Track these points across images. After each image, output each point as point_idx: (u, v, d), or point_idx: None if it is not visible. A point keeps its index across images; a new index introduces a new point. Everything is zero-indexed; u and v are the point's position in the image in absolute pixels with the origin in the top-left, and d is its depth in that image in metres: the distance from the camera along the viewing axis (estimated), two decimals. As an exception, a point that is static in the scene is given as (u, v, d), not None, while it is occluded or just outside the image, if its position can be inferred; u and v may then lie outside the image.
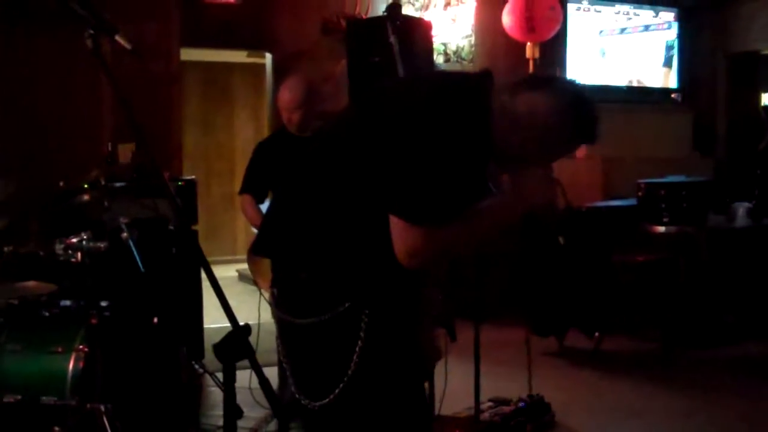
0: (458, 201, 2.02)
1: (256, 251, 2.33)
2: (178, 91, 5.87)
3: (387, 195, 1.99)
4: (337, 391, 2.07)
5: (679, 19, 7.97)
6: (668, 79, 8.01)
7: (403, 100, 2.09)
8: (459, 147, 1.97)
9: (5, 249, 3.76)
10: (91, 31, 1.98)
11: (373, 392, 2.10)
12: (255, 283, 4.29)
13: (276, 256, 2.23)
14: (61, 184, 4.82)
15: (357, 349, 2.05)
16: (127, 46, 2.02)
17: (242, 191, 4.33)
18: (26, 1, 5.22)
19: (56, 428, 3.30)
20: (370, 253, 2.07)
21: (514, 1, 6.66)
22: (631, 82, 7.77)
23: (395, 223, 1.98)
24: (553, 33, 6.80)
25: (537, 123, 1.99)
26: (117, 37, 2.01)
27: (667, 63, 7.96)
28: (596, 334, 5.70)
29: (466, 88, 2.08)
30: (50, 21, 5.21)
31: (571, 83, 2.25)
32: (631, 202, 6.22)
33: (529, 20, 6.60)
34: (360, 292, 2.07)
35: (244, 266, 8.73)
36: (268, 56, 6.88)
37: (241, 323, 1.95)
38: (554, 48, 7.17)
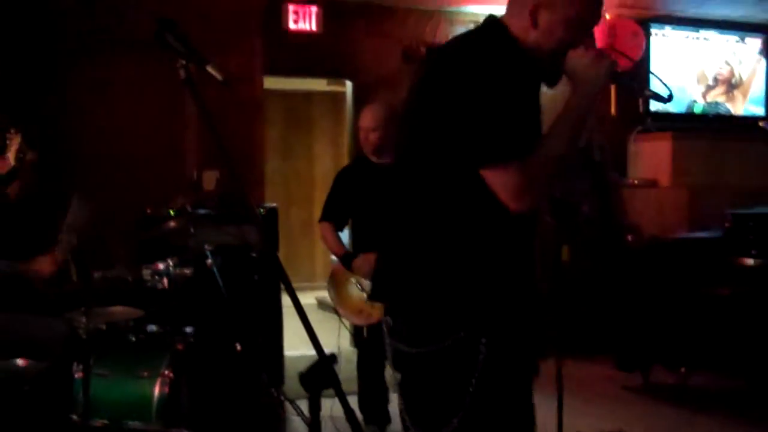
0: (527, 127, 2.06)
1: (374, 297, 2.33)
2: (261, 119, 5.95)
3: (468, 157, 1.99)
4: (455, 421, 2.04)
5: (766, 44, 7.77)
6: (756, 106, 7.80)
7: (436, 77, 2.10)
8: (501, 83, 2.00)
9: (95, 274, 3.84)
10: (184, 62, 2.01)
11: (489, 422, 2.07)
12: (335, 311, 4.30)
13: (394, 298, 2.22)
14: (148, 210, 4.93)
15: (474, 377, 2.02)
16: (218, 76, 2.04)
17: (322, 219, 4.36)
18: (113, 30, 5.37)
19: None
20: (484, 275, 2.05)
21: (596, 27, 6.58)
22: (717, 109, 7.59)
23: (490, 178, 1.99)
24: (636, 59, 6.69)
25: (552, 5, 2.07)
26: (208, 68, 2.04)
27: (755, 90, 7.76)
28: (682, 369, 5.54)
29: (480, 35, 2.15)
30: (137, 50, 5.35)
31: None
32: (718, 233, 6.05)
33: (611, 46, 6.52)
34: (477, 319, 2.05)
35: (323, 293, 8.78)
36: (349, 84, 6.93)
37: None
38: (638, 74, 7.05)
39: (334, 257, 4.35)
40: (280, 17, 6.35)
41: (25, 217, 3.93)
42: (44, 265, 3.83)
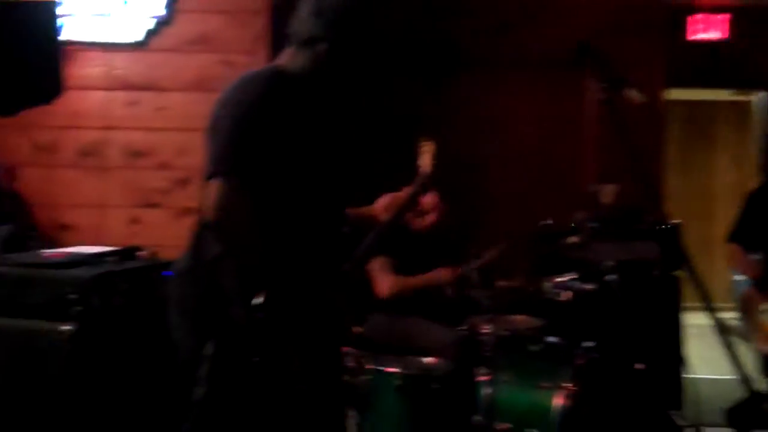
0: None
1: None
2: (662, 133, 5.75)
3: None
4: None
5: None
6: None
7: None
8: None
9: (499, 283, 3.97)
10: (605, 84, 2.00)
11: None
12: (744, 337, 4.01)
13: None
14: (548, 222, 4.99)
15: None
16: (640, 99, 2.01)
17: (731, 239, 4.11)
18: (509, 51, 5.55)
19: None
20: None
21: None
22: None
23: None
24: None
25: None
26: (629, 91, 2.01)
27: None
28: None
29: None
30: (533, 67, 5.48)
31: None
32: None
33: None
34: None
35: (722, 315, 8.27)
36: (760, 95, 6.46)
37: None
38: None
39: (739, 277, 4.09)
40: (684, 27, 6.11)
41: (434, 244, 4.18)
42: (444, 275, 4.06)
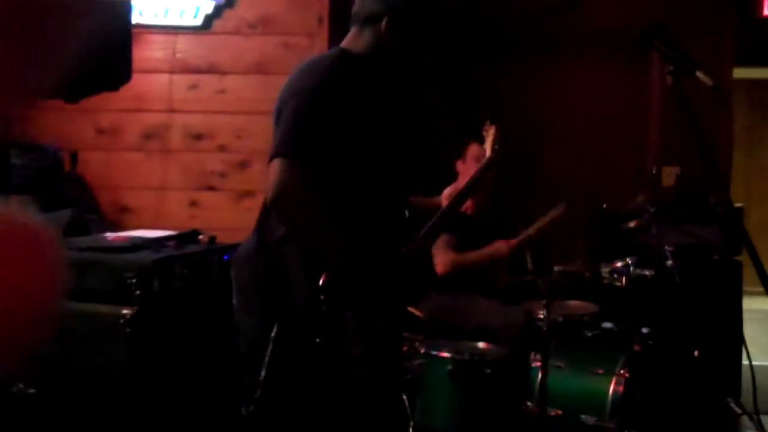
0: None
1: None
2: (728, 113, 5.62)
3: None
4: None
5: None
6: None
7: None
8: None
9: (554, 268, 3.94)
10: (671, 68, 1.97)
11: None
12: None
13: None
14: (605, 205, 4.93)
15: None
16: (709, 82, 1.97)
17: None
18: (571, 28, 5.46)
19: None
20: None
21: None
22: None
23: None
24: None
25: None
26: (698, 74, 1.97)
27: None
28: None
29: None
30: (596, 46, 5.39)
31: None
32: None
33: None
34: None
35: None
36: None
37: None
38: None
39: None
40: (754, 3, 5.94)
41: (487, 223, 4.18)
42: (501, 247, 4.05)
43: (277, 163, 2.10)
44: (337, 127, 2.18)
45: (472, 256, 4.09)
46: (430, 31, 2.36)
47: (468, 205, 2.90)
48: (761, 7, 5.93)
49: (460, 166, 4.32)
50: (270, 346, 2.17)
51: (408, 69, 2.41)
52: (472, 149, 4.24)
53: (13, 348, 0.72)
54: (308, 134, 2.14)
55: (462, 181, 4.26)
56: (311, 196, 2.13)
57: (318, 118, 2.16)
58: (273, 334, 2.17)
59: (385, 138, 2.36)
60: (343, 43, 2.38)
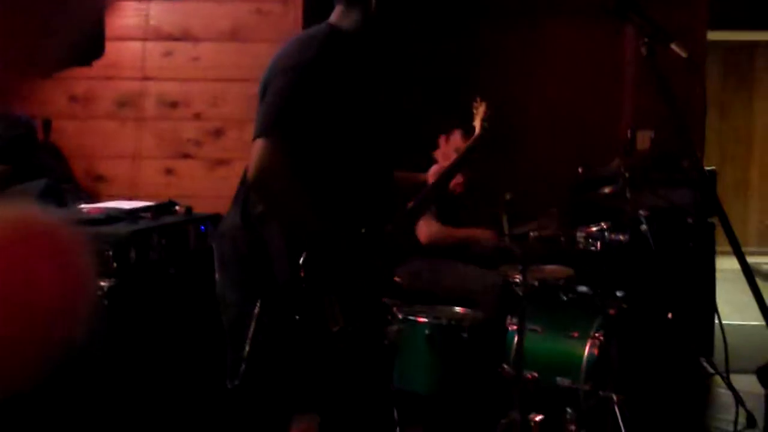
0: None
1: None
2: (701, 77, 5.65)
3: None
4: None
5: None
6: None
7: None
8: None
9: (530, 233, 3.97)
10: (646, 39, 1.98)
11: None
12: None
13: None
14: (580, 170, 4.97)
15: None
16: (683, 54, 1.99)
17: None
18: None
19: (568, 410, 3.42)
20: None
21: None
22: None
23: None
24: None
25: None
26: (672, 46, 1.99)
27: None
28: None
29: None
30: (572, 13, 5.40)
31: None
32: None
33: None
34: None
35: (756, 259, 8.23)
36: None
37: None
38: None
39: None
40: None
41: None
42: (488, 236, 4.10)
43: (259, 144, 2.10)
44: (323, 106, 2.18)
45: (457, 233, 4.13)
46: (417, 7, 2.35)
47: (456, 181, 2.91)
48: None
49: (442, 141, 4.34)
50: (253, 322, 2.18)
51: (394, 47, 2.40)
52: (455, 137, 4.26)
53: (51, 347, 0.73)
54: (293, 114, 2.14)
55: (440, 156, 4.31)
56: (292, 179, 2.13)
57: (304, 98, 2.15)
58: (256, 310, 2.18)
59: (370, 115, 2.36)
60: (331, 19, 2.36)
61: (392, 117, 2.46)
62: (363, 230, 2.29)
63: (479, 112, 2.96)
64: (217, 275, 2.35)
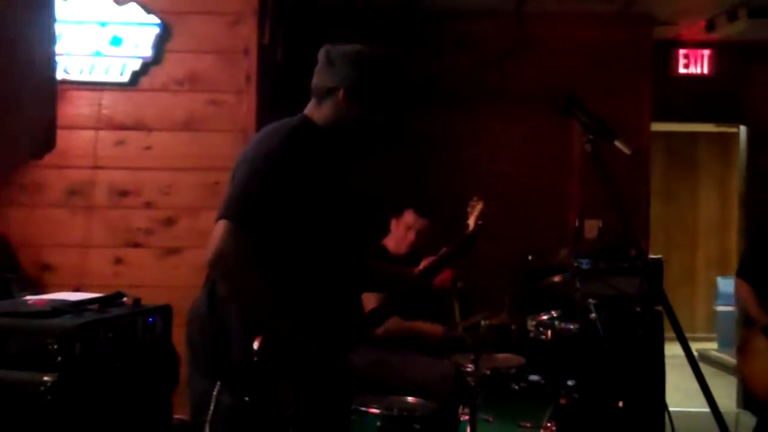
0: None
1: None
2: (646, 168, 5.82)
3: None
4: None
5: None
6: None
7: None
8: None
9: (481, 322, 3.99)
10: (591, 136, 2.04)
11: None
12: (740, 374, 4.03)
13: None
14: (530, 257, 5.03)
15: None
16: (627, 151, 2.05)
17: (739, 274, 4.13)
18: (497, 83, 5.63)
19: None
20: None
21: None
22: None
23: None
24: None
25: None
26: (616, 143, 2.06)
27: None
28: None
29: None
30: (521, 102, 5.55)
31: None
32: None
33: None
34: None
35: (704, 345, 8.33)
36: (742, 128, 6.54)
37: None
38: None
39: (724, 309, 4.11)
40: (669, 62, 6.21)
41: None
42: (438, 331, 4.12)
43: (221, 225, 2.12)
44: (292, 194, 2.20)
45: (408, 326, 4.17)
46: (383, 98, 2.40)
47: (443, 276, 2.89)
48: (676, 65, 6.20)
49: (393, 225, 4.37)
50: (212, 404, 2.16)
51: (366, 139, 2.44)
52: (408, 216, 4.31)
53: None
54: (257, 201, 2.15)
55: (392, 240, 4.33)
56: (250, 263, 2.13)
57: (271, 185, 2.17)
58: (215, 392, 2.16)
59: (341, 206, 2.38)
60: (306, 111, 2.42)
61: (359, 207, 2.49)
62: (333, 319, 2.30)
63: (475, 210, 2.95)
64: (188, 362, 2.34)
